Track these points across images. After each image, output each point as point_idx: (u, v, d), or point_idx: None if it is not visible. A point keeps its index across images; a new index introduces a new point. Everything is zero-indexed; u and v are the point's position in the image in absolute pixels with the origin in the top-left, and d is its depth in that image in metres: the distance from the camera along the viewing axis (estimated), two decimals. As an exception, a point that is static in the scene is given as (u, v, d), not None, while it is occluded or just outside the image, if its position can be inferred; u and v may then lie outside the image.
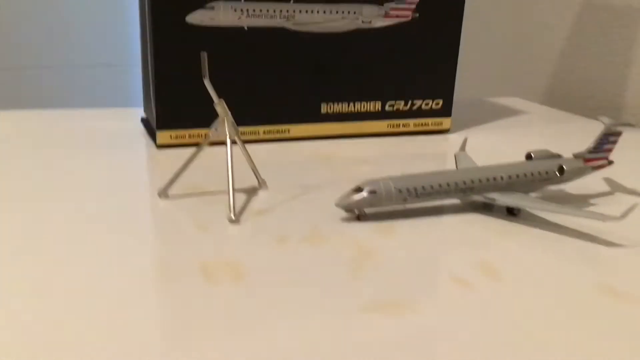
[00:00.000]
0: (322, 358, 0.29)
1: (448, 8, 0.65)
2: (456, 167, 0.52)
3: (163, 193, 0.48)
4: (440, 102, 0.68)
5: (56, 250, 0.39)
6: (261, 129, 0.63)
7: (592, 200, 0.50)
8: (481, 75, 1.04)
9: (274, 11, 0.59)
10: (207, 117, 0.59)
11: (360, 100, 0.65)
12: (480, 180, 0.46)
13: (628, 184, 0.53)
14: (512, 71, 1.00)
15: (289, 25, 0.60)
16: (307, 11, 0.60)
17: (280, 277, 0.36)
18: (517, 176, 0.47)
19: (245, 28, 0.59)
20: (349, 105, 0.65)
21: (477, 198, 0.46)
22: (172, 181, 0.48)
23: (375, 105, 0.66)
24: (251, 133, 0.62)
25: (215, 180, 0.50)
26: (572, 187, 0.51)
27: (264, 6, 0.59)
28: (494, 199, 0.45)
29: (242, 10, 0.58)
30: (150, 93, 0.62)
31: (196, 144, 0.59)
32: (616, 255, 0.40)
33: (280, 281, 0.36)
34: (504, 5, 1.01)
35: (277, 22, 0.60)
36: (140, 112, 0.71)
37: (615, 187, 0.53)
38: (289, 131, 0.63)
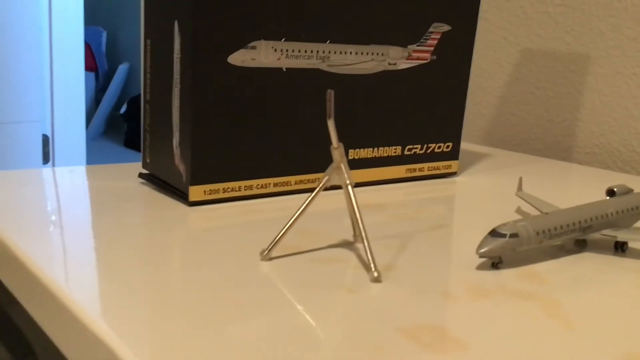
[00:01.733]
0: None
1: (459, 50, 0.65)
2: (533, 205, 0.51)
3: (266, 256, 0.41)
4: (451, 145, 0.67)
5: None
6: (293, 178, 0.57)
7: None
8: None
9: (312, 51, 0.55)
10: (244, 168, 0.53)
11: (383, 145, 0.62)
12: (597, 218, 0.45)
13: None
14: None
15: (323, 67, 0.56)
16: (341, 52, 0.57)
17: (500, 341, 0.32)
18: (623, 211, 0.47)
19: (284, 69, 0.54)
20: (373, 151, 0.61)
21: (594, 236, 0.45)
22: (276, 242, 0.41)
23: (395, 150, 0.63)
24: (284, 184, 0.56)
25: (302, 236, 0.44)
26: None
27: (302, 46, 0.54)
28: (615, 236, 0.45)
29: (281, 50, 0.53)
30: (162, 145, 0.54)
31: (229, 199, 0.53)
32: None
33: (508, 347, 0.32)
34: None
35: (313, 62, 0.55)
36: (128, 169, 0.62)
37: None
38: (318, 180, 0.59)
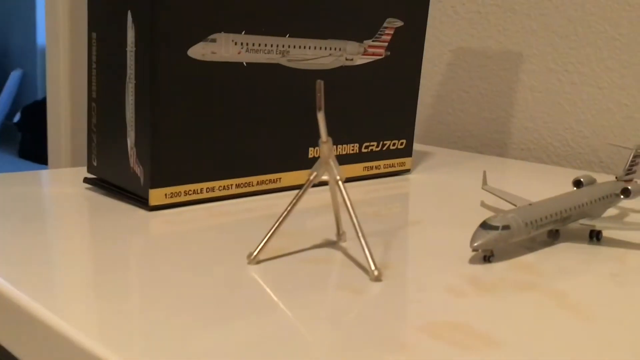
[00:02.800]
0: None
1: (410, 46, 0.64)
2: (503, 198, 0.51)
3: (254, 259, 0.38)
4: (404, 142, 0.66)
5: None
6: (255, 179, 0.54)
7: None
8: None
9: (272, 45, 0.53)
10: (205, 169, 0.51)
11: (342, 142, 0.60)
12: (575, 208, 0.45)
13: None
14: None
15: (283, 61, 0.54)
16: (300, 47, 0.55)
17: (527, 335, 0.31)
18: (596, 201, 0.47)
19: (245, 64, 0.51)
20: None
21: (573, 225, 0.45)
22: (264, 244, 0.38)
23: (353, 148, 0.61)
24: (246, 185, 0.54)
25: (284, 237, 0.42)
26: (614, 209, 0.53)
27: (263, 40, 0.52)
28: (593, 225, 0.45)
29: (242, 43, 0.51)
30: (113, 146, 0.50)
31: (190, 202, 0.50)
32: None
33: (538, 341, 0.31)
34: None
35: (273, 57, 0.53)
36: (69, 174, 0.57)
37: None
38: (280, 180, 0.56)
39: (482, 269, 0.40)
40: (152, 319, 0.30)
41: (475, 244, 0.40)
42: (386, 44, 0.62)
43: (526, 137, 0.87)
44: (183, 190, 0.50)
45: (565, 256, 0.43)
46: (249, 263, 0.38)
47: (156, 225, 0.45)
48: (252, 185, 0.54)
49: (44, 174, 0.58)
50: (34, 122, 3.24)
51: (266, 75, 0.53)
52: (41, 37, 3.40)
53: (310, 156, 0.58)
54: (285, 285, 0.35)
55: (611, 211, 0.55)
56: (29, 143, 3.35)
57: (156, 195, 0.48)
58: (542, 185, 0.65)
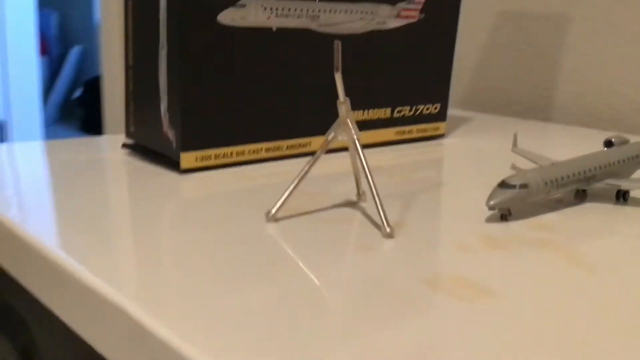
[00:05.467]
0: None
1: (445, 9, 0.64)
2: (530, 159, 0.51)
3: (272, 217, 0.40)
4: (439, 106, 0.66)
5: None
6: (285, 143, 0.55)
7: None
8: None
9: (301, 10, 0.53)
10: (234, 133, 0.52)
11: (373, 107, 0.61)
12: (601, 167, 0.45)
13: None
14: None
15: (314, 26, 0.54)
16: (330, 11, 0.55)
17: (530, 289, 0.31)
18: (625, 161, 0.46)
19: (274, 29, 0.52)
20: (363, 113, 0.60)
21: (598, 185, 0.45)
22: (283, 203, 0.40)
23: (385, 112, 0.62)
24: (275, 149, 0.55)
25: (304, 197, 0.43)
26: None
27: (292, 4, 0.53)
28: (619, 185, 0.44)
29: (271, 8, 0.52)
30: (148, 111, 0.52)
31: (220, 166, 0.51)
32: None
33: (538, 294, 0.31)
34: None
35: (303, 22, 0.54)
36: (109, 140, 0.60)
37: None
38: (309, 144, 0.57)
39: (498, 227, 0.40)
40: (179, 277, 0.32)
41: (492, 203, 0.40)
42: (420, 6, 0.62)
43: (571, 101, 0.85)
44: (213, 154, 0.51)
45: (588, 216, 0.43)
46: (268, 221, 0.40)
47: (187, 188, 0.47)
48: (282, 150, 0.55)
49: (87, 141, 0.61)
50: (94, 97, 3.34)
51: (296, 40, 0.54)
52: (99, 13, 3.48)
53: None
54: (298, 242, 0.37)
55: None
56: (91, 118, 3.46)
57: (187, 159, 0.50)
58: (581, 149, 0.64)
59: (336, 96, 0.39)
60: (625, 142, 0.50)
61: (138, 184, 0.47)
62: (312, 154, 0.57)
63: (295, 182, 0.40)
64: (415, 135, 0.65)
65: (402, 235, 0.38)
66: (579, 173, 0.43)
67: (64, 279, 0.33)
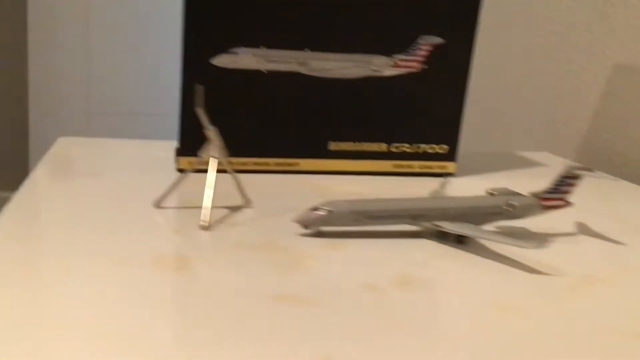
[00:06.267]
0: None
1: (456, 63, 0.70)
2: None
3: (158, 204, 0.56)
4: (446, 147, 0.72)
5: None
6: (272, 160, 0.70)
7: (551, 238, 0.53)
8: (519, 130, 1.07)
9: (290, 58, 0.67)
10: (227, 147, 0.67)
11: (366, 140, 0.71)
12: (431, 209, 0.50)
13: (595, 225, 0.56)
14: (548, 127, 1.02)
15: (304, 70, 0.68)
16: (321, 59, 0.67)
17: (223, 269, 0.43)
18: (466, 208, 0.51)
19: (265, 72, 0.67)
20: (354, 144, 0.71)
21: (427, 225, 0.50)
22: (165, 195, 0.56)
23: (380, 146, 0.71)
24: (263, 164, 0.69)
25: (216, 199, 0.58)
26: (535, 225, 0.54)
27: (281, 54, 0.67)
28: (440, 226, 0.50)
29: (261, 56, 0.66)
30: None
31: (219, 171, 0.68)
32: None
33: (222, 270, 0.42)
34: (537, 66, 1.04)
35: (293, 67, 0.67)
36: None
37: (580, 227, 0.56)
38: (298, 164, 0.70)
39: (293, 236, 0.49)
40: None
41: (293, 219, 0.50)
42: (422, 58, 0.69)
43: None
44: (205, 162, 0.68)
45: (386, 242, 0.49)
46: (155, 207, 0.56)
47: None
48: (269, 165, 0.69)
49: (155, 143, 0.82)
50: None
51: (286, 82, 0.67)
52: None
53: (331, 149, 0.70)
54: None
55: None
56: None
57: (183, 162, 0.68)
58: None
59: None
60: (507, 193, 0.53)
61: (156, 178, 0.66)
62: (299, 172, 0.70)
63: (174, 182, 0.55)
64: (417, 170, 0.72)
65: (217, 230, 0.50)
66: (400, 210, 0.50)
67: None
